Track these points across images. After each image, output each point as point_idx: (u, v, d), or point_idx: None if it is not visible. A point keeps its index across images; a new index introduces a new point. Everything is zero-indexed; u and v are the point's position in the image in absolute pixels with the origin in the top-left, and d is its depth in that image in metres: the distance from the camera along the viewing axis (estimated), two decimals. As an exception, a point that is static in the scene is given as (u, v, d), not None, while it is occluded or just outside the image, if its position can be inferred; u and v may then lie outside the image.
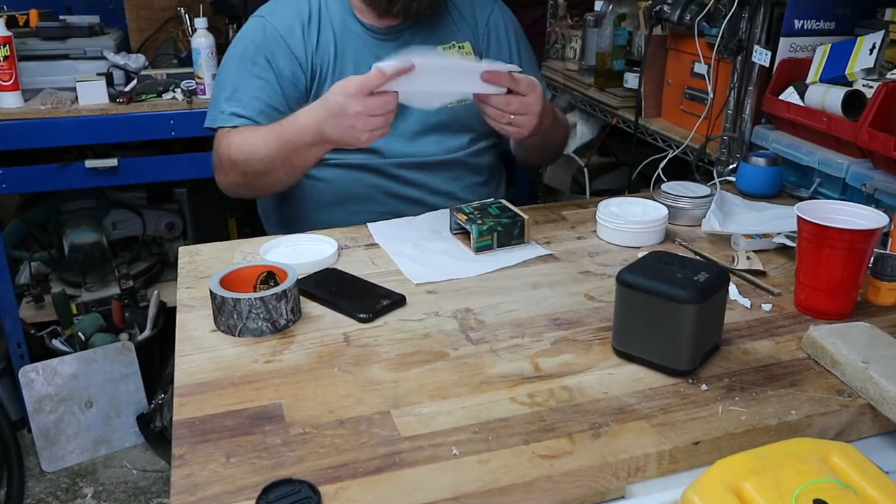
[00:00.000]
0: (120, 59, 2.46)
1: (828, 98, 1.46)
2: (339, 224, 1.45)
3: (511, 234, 1.32)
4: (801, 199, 1.48)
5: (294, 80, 1.51)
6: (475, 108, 1.36)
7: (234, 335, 1.04)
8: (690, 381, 0.94)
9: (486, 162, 1.65)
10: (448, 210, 1.41)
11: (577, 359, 0.99)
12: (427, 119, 1.54)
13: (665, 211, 1.36)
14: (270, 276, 1.12)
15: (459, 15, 1.62)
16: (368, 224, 1.42)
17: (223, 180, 1.52)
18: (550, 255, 1.30)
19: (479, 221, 1.30)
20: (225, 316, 1.04)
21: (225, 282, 1.08)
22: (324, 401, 0.90)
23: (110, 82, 2.39)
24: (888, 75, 1.43)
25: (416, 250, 1.31)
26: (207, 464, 0.80)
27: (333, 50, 1.52)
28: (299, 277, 1.11)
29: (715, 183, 1.54)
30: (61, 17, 2.70)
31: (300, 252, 1.28)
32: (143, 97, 2.37)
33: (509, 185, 1.81)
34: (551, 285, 1.19)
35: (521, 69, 1.33)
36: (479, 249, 1.30)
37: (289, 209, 1.63)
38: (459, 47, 1.60)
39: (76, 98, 2.30)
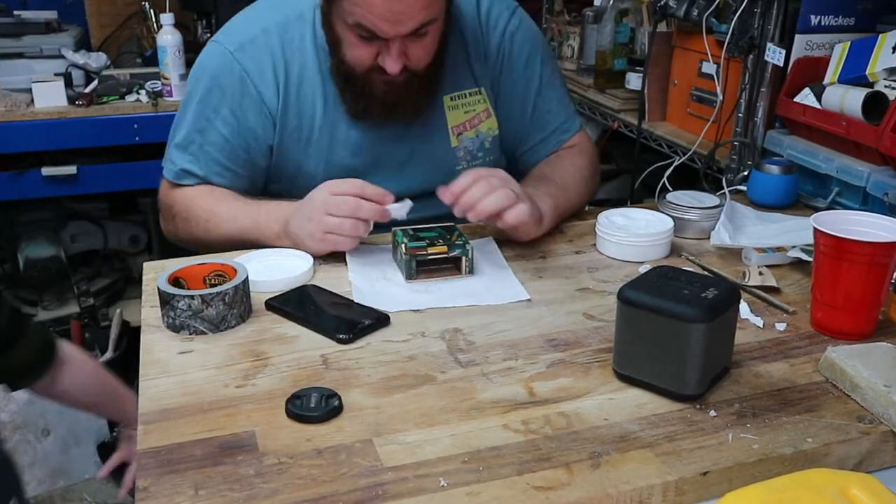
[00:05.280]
0: (79, 57, 2.47)
1: (847, 100, 1.47)
2: None
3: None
4: (817, 209, 1.49)
5: (264, 134, 1.43)
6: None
7: (176, 333, 1.10)
8: (698, 406, 0.94)
9: None
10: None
11: (575, 383, 0.99)
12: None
13: (670, 223, 1.37)
14: (220, 276, 1.17)
15: (469, 44, 1.48)
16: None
17: (172, 231, 1.52)
18: (546, 268, 1.30)
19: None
20: (171, 312, 1.10)
21: (173, 278, 1.15)
22: (300, 428, 0.90)
23: (69, 83, 2.39)
24: (910, 76, 1.45)
25: (396, 285, 1.26)
26: (174, 496, 0.80)
27: (312, 110, 1.43)
28: (274, 295, 1.11)
29: (724, 192, 1.55)
30: (15, 12, 2.70)
31: (273, 268, 1.28)
32: (105, 99, 2.37)
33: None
34: (547, 303, 1.20)
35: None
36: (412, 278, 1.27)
37: None
38: (472, 94, 1.50)
39: (32, 100, 2.31)
